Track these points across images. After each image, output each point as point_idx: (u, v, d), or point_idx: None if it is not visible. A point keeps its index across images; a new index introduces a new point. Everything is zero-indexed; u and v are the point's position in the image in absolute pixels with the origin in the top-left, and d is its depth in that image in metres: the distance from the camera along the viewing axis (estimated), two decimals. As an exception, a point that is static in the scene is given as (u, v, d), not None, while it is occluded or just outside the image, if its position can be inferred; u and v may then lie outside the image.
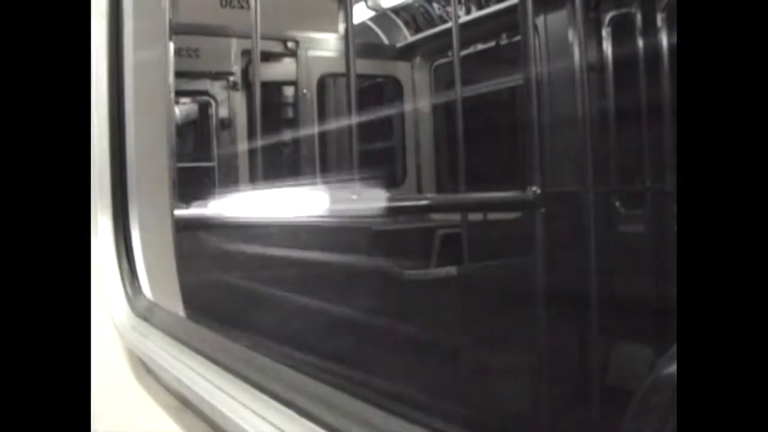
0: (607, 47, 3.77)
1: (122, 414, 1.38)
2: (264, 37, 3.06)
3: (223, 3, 4.70)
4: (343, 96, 4.95)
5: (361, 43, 4.81)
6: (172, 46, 2.03)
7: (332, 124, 5.21)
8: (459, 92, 3.56)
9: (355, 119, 2.77)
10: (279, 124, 5.17)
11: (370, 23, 5.51)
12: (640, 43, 3.60)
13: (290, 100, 5.09)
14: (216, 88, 4.85)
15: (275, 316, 2.46)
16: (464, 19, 4.58)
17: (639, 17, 3.61)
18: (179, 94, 4.82)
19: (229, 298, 2.37)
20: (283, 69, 4.92)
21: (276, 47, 4.81)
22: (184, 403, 1.10)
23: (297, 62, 4.89)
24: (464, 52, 4.25)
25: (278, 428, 0.76)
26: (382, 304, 2.74)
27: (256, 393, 0.85)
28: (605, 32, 3.76)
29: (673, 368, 1.11)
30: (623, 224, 3.72)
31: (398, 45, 5.40)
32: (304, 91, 4.91)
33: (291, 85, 5.01)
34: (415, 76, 5.29)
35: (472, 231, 3.96)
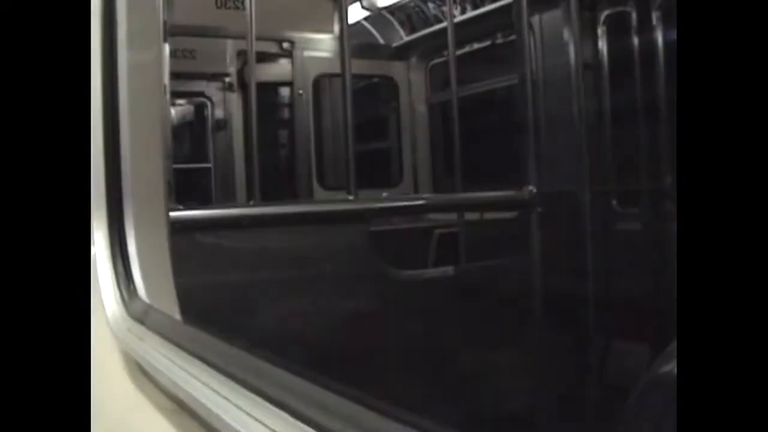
0: (603, 46, 3.77)
1: (117, 416, 1.37)
2: (259, 38, 3.06)
3: (219, 4, 4.70)
4: (339, 96, 4.96)
5: (356, 43, 4.81)
6: (167, 47, 2.03)
7: (328, 124, 5.21)
8: (455, 92, 3.57)
9: (350, 119, 2.77)
10: (275, 124, 5.17)
11: (365, 23, 5.51)
12: (636, 41, 3.60)
13: (286, 100, 5.10)
14: (212, 89, 4.86)
15: (269, 318, 2.46)
16: (459, 18, 4.58)
17: (634, 16, 3.61)
18: (175, 95, 4.81)
19: (223, 298, 2.36)
20: (279, 70, 4.92)
21: (272, 48, 4.82)
22: (179, 406, 1.09)
23: (293, 63, 4.89)
24: (460, 52, 4.25)
25: (273, 431, 0.76)
26: (378, 304, 2.74)
27: (252, 395, 0.85)
28: (600, 31, 3.77)
29: (669, 367, 1.11)
30: (620, 223, 3.72)
31: (394, 45, 5.41)
32: (300, 91, 4.92)
33: (287, 86, 5.01)
34: (410, 76, 5.29)
35: (469, 231, 3.97)
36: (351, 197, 2.64)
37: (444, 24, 4.46)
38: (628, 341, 3.37)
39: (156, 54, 1.80)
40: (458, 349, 2.88)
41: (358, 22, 5.43)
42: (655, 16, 3.50)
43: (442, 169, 5.21)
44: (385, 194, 4.89)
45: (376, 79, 5.48)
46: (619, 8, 3.69)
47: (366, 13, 5.42)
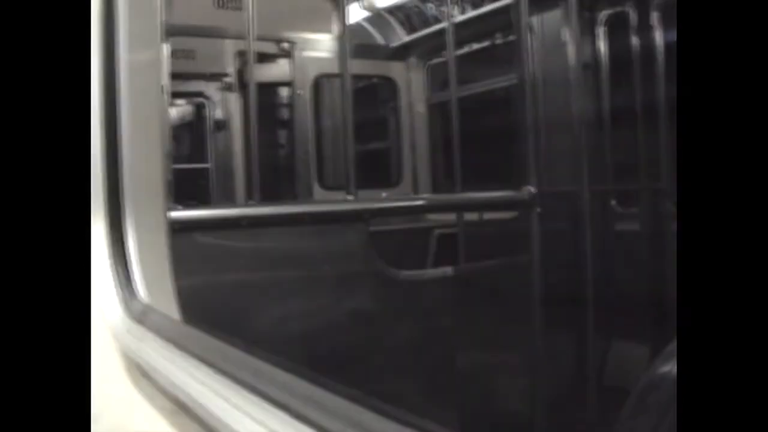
0: (602, 46, 3.77)
1: (117, 417, 1.37)
2: (259, 38, 3.06)
3: (218, 4, 4.70)
4: (339, 96, 4.96)
5: (355, 43, 4.81)
6: (166, 47, 2.03)
7: (328, 124, 5.21)
8: (454, 92, 3.57)
9: (350, 119, 2.77)
10: (274, 125, 5.16)
11: (364, 23, 5.51)
12: (635, 41, 3.60)
13: (285, 101, 5.09)
14: (211, 89, 4.85)
15: (268, 318, 2.46)
16: (459, 18, 4.58)
17: (633, 16, 3.61)
18: (174, 95, 4.81)
19: (222, 299, 2.36)
20: (279, 70, 4.92)
21: (271, 48, 4.81)
22: (179, 406, 1.09)
23: (292, 63, 4.89)
24: (459, 52, 4.25)
25: (272, 431, 0.76)
26: (377, 304, 2.74)
27: (251, 395, 0.85)
28: (600, 31, 3.77)
29: (668, 367, 1.11)
30: (619, 223, 3.72)
31: (393, 45, 5.40)
32: (300, 91, 4.91)
33: (286, 86, 5.01)
34: (410, 76, 5.29)
35: (468, 231, 3.97)
36: (350, 197, 2.65)
37: (443, 24, 4.46)
38: (628, 342, 3.37)
39: (155, 54, 1.80)
40: (457, 349, 2.88)
41: (357, 23, 5.42)
42: (654, 16, 3.50)
43: (442, 169, 5.21)
44: (384, 194, 4.90)
45: (375, 80, 5.48)
46: (619, 8, 3.69)
47: (365, 14, 5.42)
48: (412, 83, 5.29)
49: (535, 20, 3.88)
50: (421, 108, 5.30)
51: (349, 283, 2.65)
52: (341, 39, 2.77)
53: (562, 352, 3.16)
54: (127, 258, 1.64)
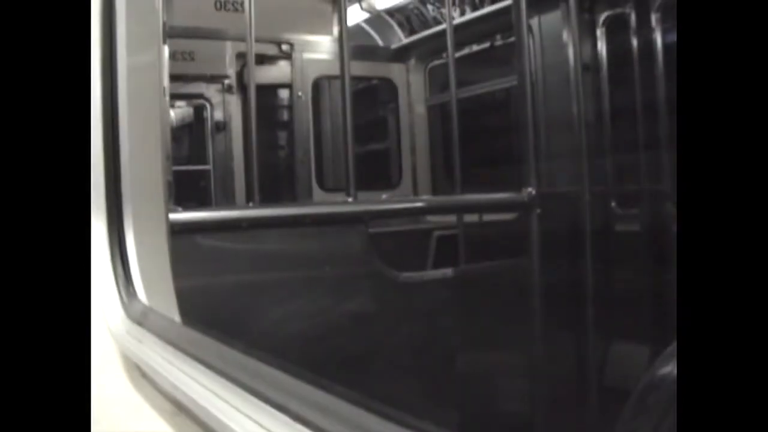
0: (602, 47, 3.77)
1: (117, 418, 1.37)
2: (258, 40, 3.06)
3: (218, 6, 4.70)
4: (339, 98, 4.96)
5: (355, 45, 4.82)
6: (166, 49, 2.03)
7: (328, 126, 5.21)
8: (454, 93, 3.57)
9: (350, 121, 2.77)
10: (274, 126, 5.17)
11: (364, 25, 5.51)
12: (635, 42, 3.60)
13: (285, 102, 5.10)
14: (211, 91, 4.86)
15: (268, 320, 2.46)
16: (458, 20, 4.58)
17: (633, 17, 3.62)
18: (174, 97, 4.82)
19: (222, 300, 2.36)
20: (278, 72, 4.92)
21: (271, 50, 4.82)
22: (178, 408, 1.09)
23: (292, 65, 4.89)
24: (459, 54, 4.25)
25: (273, 433, 0.76)
26: (377, 306, 2.74)
27: (251, 397, 0.85)
28: (599, 32, 3.77)
29: (668, 368, 1.11)
30: (619, 224, 3.72)
31: (393, 47, 5.41)
32: (299, 93, 4.92)
33: (286, 88, 5.01)
34: (409, 78, 5.29)
35: (468, 233, 3.96)
36: (350, 199, 2.64)
37: (443, 26, 4.46)
38: (628, 343, 3.37)
39: (155, 56, 1.80)
40: (457, 350, 2.88)
41: (357, 24, 5.42)
42: (654, 18, 3.50)
43: (442, 171, 5.20)
44: (384, 196, 4.90)
45: (375, 81, 5.48)
46: (618, 10, 3.69)
47: (365, 15, 5.42)
48: (411, 85, 5.29)
49: (534, 22, 3.89)
50: (420, 110, 5.30)
51: (348, 285, 2.65)
52: (341, 40, 2.77)
53: (561, 353, 3.16)
54: (128, 260, 1.64)
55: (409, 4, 5.36)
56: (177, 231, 1.96)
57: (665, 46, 3.45)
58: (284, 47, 4.85)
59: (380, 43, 5.51)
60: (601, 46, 3.77)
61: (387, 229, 4.31)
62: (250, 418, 0.82)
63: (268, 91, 5.02)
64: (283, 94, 5.10)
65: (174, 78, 4.09)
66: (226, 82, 4.79)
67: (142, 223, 1.67)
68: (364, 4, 5.23)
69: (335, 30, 4.92)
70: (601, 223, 3.58)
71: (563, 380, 3.09)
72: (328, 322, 2.54)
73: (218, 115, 4.87)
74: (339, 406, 0.74)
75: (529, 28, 3.68)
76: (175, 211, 2.11)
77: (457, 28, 3.99)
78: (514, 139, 3.44)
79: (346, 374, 2.22)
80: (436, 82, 5.24)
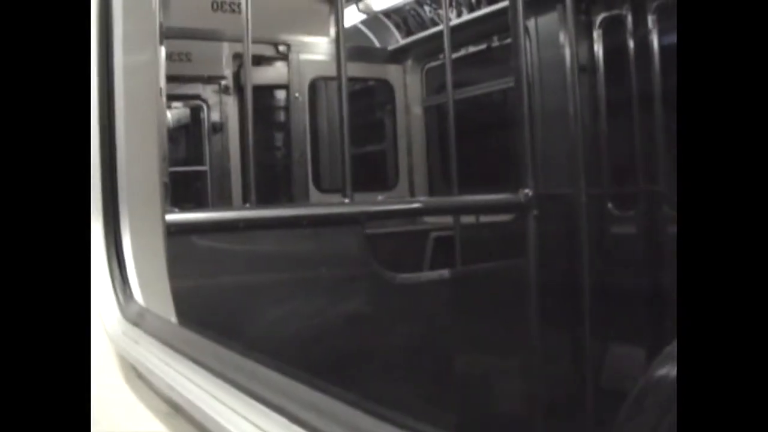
0: (598, 49, 3.78)
1: (113, 419, 1.37)
2: (255, 41, 3.05)
3: (214, 7, 4.70)
4: (335, 99, 4.96)
5: (352, 46, 4.82)
6: (163, 49, 2.03)
7: (324, 127, 5.21)
8: (450, 95, 3.57)
9: (346, 122, 2.76)
10: (271, 127, 5.17)
11: (361, 26, 5.52)
12: (631, 44, 3.61)
13: (282, 103, 5.10)
14: (208, 92, 4.86)
15: (265, 321, 2.46)
16: (455, 21, 4.58)
17: (629, 19, 3.62)
18: (171, 98, 4.81)
19: (218, 301, 2.36)
20: (275, 73, 4.92)
21: (267, 51, 4.82)
22: (175, 409, 1.09)
23: (288, 66, 4.89)
24: (455, 55, 4.25)
25: (269, 434, 0.76)
26: (373, 307, 2.74)
27: (247, 399, 0.85)
28: (596, 34, 3.77)
29: (665, 370, 1.11)
30: (616, 226, 3.72)
31: (390, 48, 5.41)
32: (296, 94, 4.92)
33: (283, 89, 5.01)
34: (406, 79, 5.29)
35: (464, 234, 3.97)
36: (347, 200, 2.64)
37: (440, 27, 4.47)
38: (626, 344, 3.37)
39: (152, 57, 1.80)
40: (454, 352, 2.88)
41: (354, 26, 5.43)
42: (650, 19, 3.51)
43: (438, 172, 5.21)
44: (380, 197, 4.90)
45: (372, 82, 5.49)
46: (615, 11, 3.70)
47: (362, 16, 5.42)
48: (408, 86, 5.29)
49: (531, 23, 3.89)
50: (417, 111, 5.30)
51: (345, 286, 2.64)
52: (338, 41, 2.76)
53: (559, 355, 3.16)
54: (124, 260, 1.63)
55: (405, 5, 5.37)
56: (173, 232, 1.96)
57: (662, 47, 3.46)
58: (281, 48, 4.86)
59: (377, 44, 5.52)
60: (598, 48, 3.78)
61: (384, 231, 4.32)
62: (245, 418, 0.81)
63: (264, 92, 5.02)
64: (280, 95, 5.10)
65: (171, 79, 4.08)
66: (223, 83, 4.79)
67: (139, 224, 1.66)
68: (361, 6, 5.23)
69: (332, 31, 4.92)
70: (597, 225, 3.58)
71: (560, 382, 3.09)
72: (324, 323, 2.54)
73: (215, 116, 4.87)
74: (335, 407, 0.74)
75: (526, 29, 3.69)
76: (171, 212, 2.11)
77: (454, 30, 3.99)
78: (510, 141, 3.44)
79: (343, 375, 2.22)
80: (433, 83, 5.25)
